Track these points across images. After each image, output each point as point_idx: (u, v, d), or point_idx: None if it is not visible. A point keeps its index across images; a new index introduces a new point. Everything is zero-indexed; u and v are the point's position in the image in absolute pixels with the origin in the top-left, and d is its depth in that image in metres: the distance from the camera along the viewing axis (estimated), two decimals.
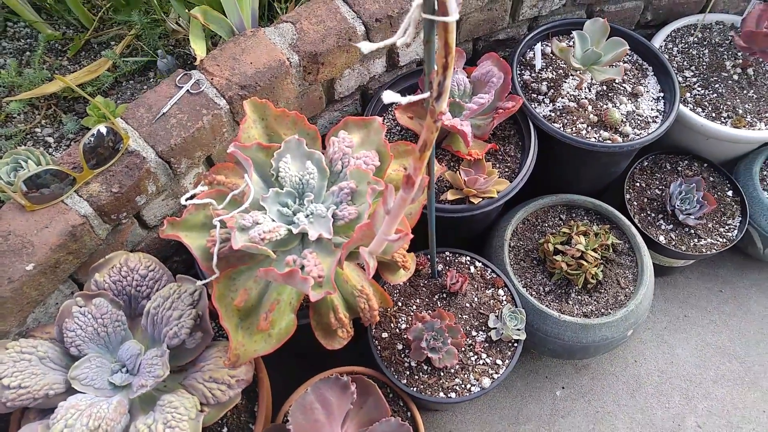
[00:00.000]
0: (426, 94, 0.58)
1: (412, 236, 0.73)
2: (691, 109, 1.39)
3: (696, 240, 1.38)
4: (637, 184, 1.46)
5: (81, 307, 0.87)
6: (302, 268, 0.78)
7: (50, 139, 1.11)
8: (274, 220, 0.83)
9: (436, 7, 0.52)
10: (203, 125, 1.01)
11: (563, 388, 1.44)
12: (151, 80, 1.19)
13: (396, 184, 0.97)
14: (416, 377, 1.08)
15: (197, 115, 1.00)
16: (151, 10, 1.26)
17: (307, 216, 0.84)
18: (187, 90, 1.03)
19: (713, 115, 1.39)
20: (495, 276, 1.19)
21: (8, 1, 1.16)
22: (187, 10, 1.17)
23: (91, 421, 0.77)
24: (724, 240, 1.38)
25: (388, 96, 0.55)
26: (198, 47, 1.09)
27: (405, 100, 0.56)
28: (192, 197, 0.84)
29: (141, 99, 1.02)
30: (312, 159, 0.87)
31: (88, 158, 0.94)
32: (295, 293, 0.87)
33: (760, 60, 1.42)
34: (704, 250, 1.36)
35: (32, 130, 1.12)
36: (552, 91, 1.33)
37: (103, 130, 0.94)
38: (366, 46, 0.52)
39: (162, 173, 1.00)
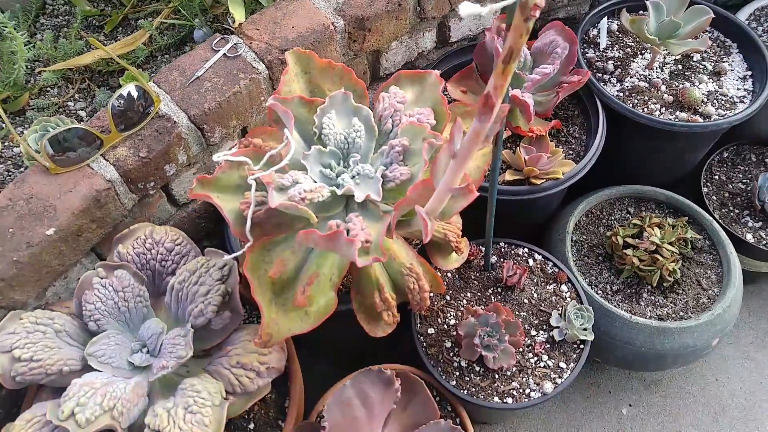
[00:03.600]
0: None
1: (477, 194, 0.64)
2: None
3: None
4: (716, 177, 1.33)
5: (102, 278, 0.81)
6: (347, 232, 0.70)
7: (82, 113, 1.08)
8: (315, 181, 0.76)
9: None
10: (239, 90, 0.95)
11: (630, 405, 1.29)
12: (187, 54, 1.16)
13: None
14: (467, 379, 0.98)
15: (234, 79, 0.95)
16: None
17: (353, 177, 0.77)
18: (224, 53, 0.98)
19: None
20: (557, 270, 1.08)
21: None
22: None
23: (105, 400, 0.70)
24: None
25: (466, 7, 0.47)
26: (237, 12, 1.04)
27: (486, 10, 0.48)
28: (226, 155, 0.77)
29: (175, 63, 0.98)
30: (359, 115, 0.80)
31: (117, 121, 0.89)
32: (337, 267, 0.78)
33: None
34: None
35: (65, 104, 1.09)
36: (619, 70, 1.23)
37: (134, 92, 0.90)
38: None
39: (194, 141, 0.95)
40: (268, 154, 0.78)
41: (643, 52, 1.26)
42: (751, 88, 1.20)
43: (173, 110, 0.92)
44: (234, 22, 1.05)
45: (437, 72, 0.83)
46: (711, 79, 1.22)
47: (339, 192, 0.75)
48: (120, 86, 1.11)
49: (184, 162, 0.96)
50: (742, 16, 1.37)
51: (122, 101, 0.89)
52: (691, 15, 1.15)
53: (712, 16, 1.13)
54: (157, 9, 1.23)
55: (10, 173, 1.00)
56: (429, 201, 0.66)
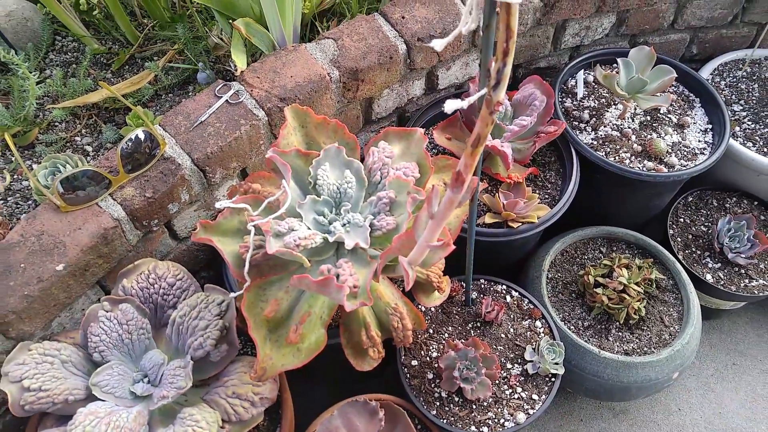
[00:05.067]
0: (484, 90, 0.58)
1: (453, 247, 0.71)
2: (741, 143, 1.36)
3: (746, 281, 1.32)
4: (681, 220, 1.42)
5: (107, 311, 0.86)
6: (337, 277, 0.76)
7: (89, 148, 1.14)
8: (309, 228, 0.82)
9: None
10: (240, 135, 1.02)
11: None
12: (190, 94, 1.22)
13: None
14: (447, 408, 1.04)
15: (235, 124, 1.02)
16: (194, 27, 1.31)
17: (343, 225, 0.83)
18: (226, 100, 1.05)
19: (765, 150, 1.36)
20: (532, 307, 1.15)
21: (59, 15, 1.21)
22: (230, 26, 1.21)
23: (109, 429, 0.75)
24: None
25: (450, 104, 0.55)
26: (239, 60, 1.11)
27: (466, 102, 0.55)
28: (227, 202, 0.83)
29: (180, 107, 1.04)
30: (351, 168, 0.87)
31: (124, 162, 0.95)
32: (327, 307, 0.85)
33: None
34: (756, 292, 1.30)
35: (72, 139, 1.14)
36: (594, 119, 1.32)
37: (141, 135, 0.96)
38: (438, 44, 0.51)
39: (196, 181, 1.01)
40: (267, 201, 0.84)
41: (616, 102, 1.35)
42: (711, 141, 1.30)
43: (178, 153, 0.99)
44: (236, 69, 1.11)
45: (422, 130, 0.91)
46: (675, 131, 1.31)
47: (331, 239, 0.81)
48: (125, 123, 1.18)
49: (187, 200, 1.02)
50: (707, 71, 1.47)
51: (130, 143, 0.95)
52: (656, 73, 1.25)
53: (675, 75, 1.23)
54: (163, 49, 1.29)
55: (18, 206, 1.05)
56: (411, 252, 0.72)
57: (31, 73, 1.05)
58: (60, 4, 1.22)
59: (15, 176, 1.08)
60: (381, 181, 0.88)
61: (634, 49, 1.27)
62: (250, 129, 1.03)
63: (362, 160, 0.94)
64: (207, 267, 1.19)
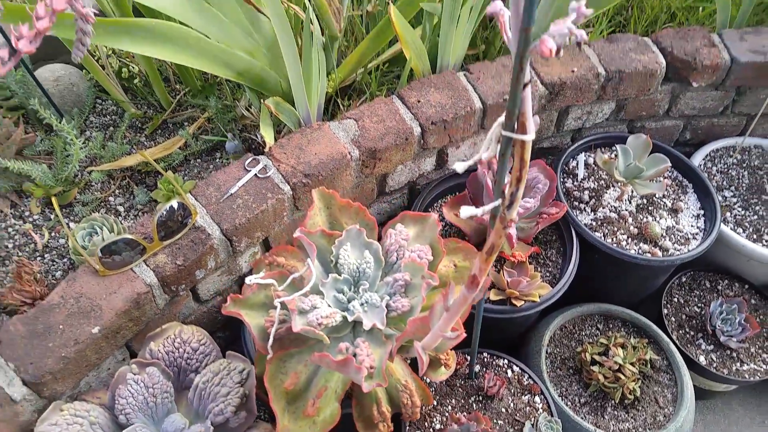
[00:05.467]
0: (497, 202, 0.66)
1: (465, 336, 0.77)
2: (732, 229, 1.44)
3: (738, 364, 1.38)
4: (675, 300, 1.49)
5: (135, 374, 0.91)
6: (354, 356, 0.82)
7: (121, 208, 1.21)
8: (330, 306, 0.89)
9: (515, 127, 0.60)
10: (267, 208, 1.09)
11: None
12: (217, 160, 1.31)
13: (446, 279, 1.02)
14: None
15: (262, 198, 1.09)
16: (223, 96, 1.40)
17: (362, 305, 0.90)
18: (255, 174, 1.13)
19: (754, 236, 1.44)
20: (532, 383, 1.21)
21: (103, 82, 1.31)
22: (259, 99, 1.30)
23: None
24: None
25: (465, 210, 0.62)
26: (267, 134, 1.20)
27: (479, 211, 0.63)
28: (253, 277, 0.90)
29: (211, 178, 1.12)
30: (370, 249, 0.94)
31: (158, 229, 1.02)
32: (341, 382, 0.90)
33: None
34: (747, 376, 1.36)
35: (106, 198, 1.22)
36: (593, 200, 1.40)
37: (175, 204, 1.04)
38: (459, 166, 0.59)
39: (223, 250, 1.08)
40: (291, 277, 0.91)
41: (615, 185, 1.44)
42: (702, 227, 1.38)
43: (208, 223, 1.06)
44: (263, 141, 1.20)
45: (435, 216, 0.99)
46: (670, 215, 1.39)
47: (350, 318, 0.87)
48: (156, 185, 1.26)
49: (213, 267, 1.08)
50: (699, 156, 1.57)
51: (164, 212, 1.02)
52: (652, 161, 1.34)
53: (669, 165, 1.32)
54: (193, 115, 1.39)
55: (54, 263, 1.12)
56: (425, 338, 0.79)
57: (71, 129, 1.13)
58: (103, 71, 1.32)
59: (53, 234, 1.15)
60: (397, 262, 0.95)
61: (631, 136, 1.37)
62: (276, 203, 1.10)
63: (379, 238, 1.01)
64: (224, 327, 1.25)
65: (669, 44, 1.40)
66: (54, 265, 1.11)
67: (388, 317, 0.88)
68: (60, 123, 1.11)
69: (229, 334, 1.25)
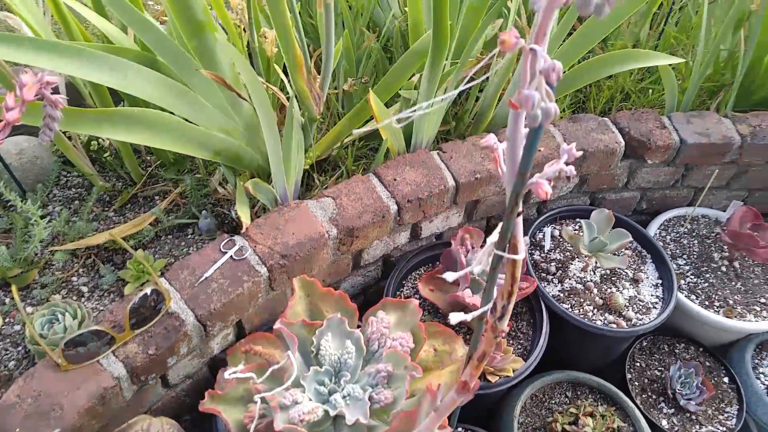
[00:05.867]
0: (487, 307, 0.68)
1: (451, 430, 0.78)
2: (686, 296, 1.52)
3: (698, 427, 1.43)
4: (638, 364, 1.54)
5: None
6: None
7: (84, 288, 1.17)
8: (311, 399, 0.88)
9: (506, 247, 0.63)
10: (243, 291, 1.08)
11: None
12: (189, 237, 1.29)
13: (426, 364, 1.03)
14: None
15: (238, 281, 1.08)
16: (196, 169, 1.39)
17: (344, 397, 0.89)
18: (231, 256, 1.12)
19: (706, 303, 1.52)
20: None
21: (69, 154, 1.28)
22: (234, 175, 1.30)
23: None
24: (724, 429, 1.43)
25: (455, 317, 0.65)
26: (243, 214, 1.19)
27: (469, 316, 0.65)
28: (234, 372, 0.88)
29: (185, 261, 1.10)
30: (351, 338, 0.94)
31: (130, 317, 0.99)
32: None
33: (745, 256, 1.59)
34: None
35: (69, 279, 1.17)
36: (560, 272, 1.45)
37: (149, 291, 1.01)
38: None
39: (196, 335, 1.05)
40: (271, 369, 0.90)
41: (580, 256, 1.50)
42: (661, 295, 1.45)
43: (182, 308, 1.03)
44: (238, 218, 1.19)
45: (416, 302, 1.00)
46: (631, 285, 1.46)
47: (332, 413, 0.86)
48: (124, 264, 1.22)
49: (185, 353, 1.05)
50: (655, 226, 1.66)
51: (137, 299, 0.99)
52: (615, 235, 1.41)
53: (631, 239, 1.39)
54: (165, 189, 1.37)
55: (7, 351, 1.05)
56: None
57: (36, 209, 1.09)
58: (71, 143, 1.29)
59: (7, 319, 1.09)
60: (379, 350, 0.95)
61: (595, 211, 1.44)
62: (252, 285, 1.09)
63: (360, 320, 1.01)
64: (190, 410, 1.20)
65: (626, 125, 1.50)
66: (7, 354, 1.04)
67: (370, 409, 0.88)
68: (24, 202, 1.07)
69: (195, 416, 1.21)
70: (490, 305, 0.65)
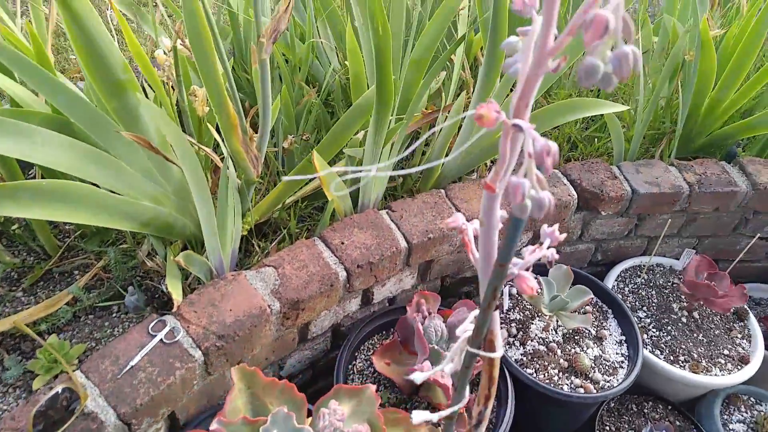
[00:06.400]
0: (457, 407, 0.61)
1: None
2: (650, 351, 1.50)
3: None
4: (607, 428, 1.49)
5: None
6: None
7: None
8: None
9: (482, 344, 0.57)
10: (175, 380, 0.96)
11: None
12: (114, 316, 1.16)
13: None
14: None
15: (170, 368, 0.97)
16: (122, 238, 1.28)
17: None
18: (161, 339, 1.00)
19: (671, 358, 1.50)
20: None
21: None
22: (164, 246, 1.20)
23: None
24: None
25: (418, 416, 0.57)
26: (174, 289, 1.09)
27: (436, 416, 0.58)
28: None
29: (107, 348, 0.98)
30: None
31: (36, 422, 0.86)
32: None
33: (704, 305, 1.59)
34: None
35: None
36: (521, 333, 1.41)
37: (59, 389, 0.88)
38: (419, 376, 0.54)
39: None
40: None
41: (540, 315, 1.45)
42: (626, 353, 1.42)
43: (101, 407, 0.91)
44: (167, 296, 1.09)
45: (373, 387, 0.92)
46: (595, 343, 1.42)
47: None
48: (33, 353, 1.08)
49: None
50: (612, 278, 1.65)
51: (45, 402, 0.86)
52: (576, 293, 1.38)
53: (592, 296, 1.36)
54: (85, 262, 1.25)
55: None
56: None
57: None
58: None
59: None
60: None
61: (553, 268, 1.41)
62: (186, 372, 0.98)
63: (309, 412, 0.92)
64: None
65: (578, 176, 1.50)
66: None
67: None
68: None
69: None
70: (461, 405, 0.59)
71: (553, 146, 0.36)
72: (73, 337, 1.12)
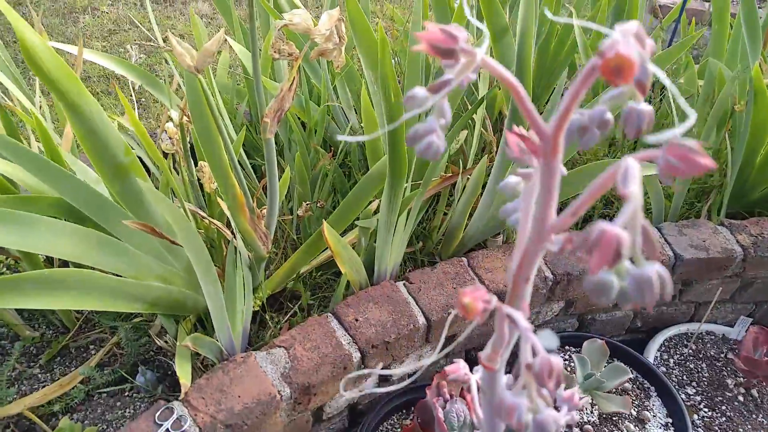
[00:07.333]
0: None
1: None
2: None
3: None
4: None
5: None
6: None
7: None
8: None
9: None
10: None
11: None
12: (126, 395, 1.18)
13: None
14: None
15: None
16: (135, 314, 1.30)
17: None
18: (168, 429, 1.00)
19: None
20: None
21: None
22: (176, 324, 1.21)
23: None
24: None
25: None
26: (183, 373, 1.09)
27: None
28: None
29: None
30: None
31: None
32: None
33: (763, 382, 1.48)
34: None
35: None
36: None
37: None
38: None
39: None
40: None
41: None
42: None
43: None
44: (181, 390, 1.08)
45: None
46: (637, 427, 1.33)
47: None
48: None
49: None
50: (653, 349, 1.55)
51: None
52: (612, 371, 1.31)
53: (631, 376, 1.28)
54: (100, 337, 1.27)
55: None
56: None
57: None
58: None
59: None
60: None
61: (586, 342, 1.34)
62: None
63: None
64: None
65: None
66: None
67: None
68: None
69: None
70: None
71: (557, 365, 0.31)
72: (85, 417, 1.14)
